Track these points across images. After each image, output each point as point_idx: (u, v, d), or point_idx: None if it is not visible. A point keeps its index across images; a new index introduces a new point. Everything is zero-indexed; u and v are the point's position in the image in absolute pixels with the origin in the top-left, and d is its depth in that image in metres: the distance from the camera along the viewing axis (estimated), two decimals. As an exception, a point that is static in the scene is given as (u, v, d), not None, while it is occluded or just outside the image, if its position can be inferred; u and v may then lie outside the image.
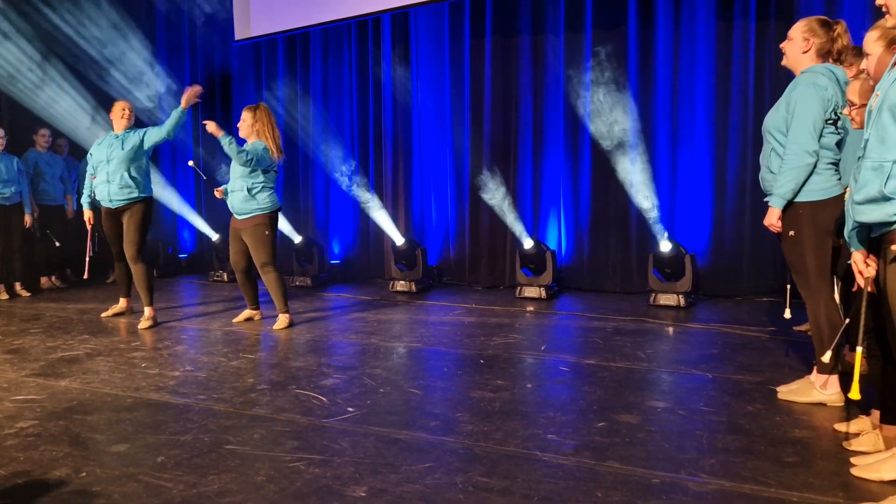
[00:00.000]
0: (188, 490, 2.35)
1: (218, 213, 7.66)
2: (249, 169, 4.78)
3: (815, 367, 3.11)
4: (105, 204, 5.14)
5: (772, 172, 3.06)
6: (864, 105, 2.66)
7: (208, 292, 6.90)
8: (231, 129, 4.94)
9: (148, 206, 5.18)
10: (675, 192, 6.07)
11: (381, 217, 7.22)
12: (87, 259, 5.58)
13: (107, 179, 5.06)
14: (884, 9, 2.10)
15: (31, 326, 5.19)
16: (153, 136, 5.10)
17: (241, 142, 5.01)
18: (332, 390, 3.46)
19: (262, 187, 4.86)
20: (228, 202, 4.95)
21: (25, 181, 6.50)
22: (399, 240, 6.80)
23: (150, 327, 5.06)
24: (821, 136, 2.94)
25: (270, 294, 5.00)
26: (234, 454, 2.66)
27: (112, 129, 5.20)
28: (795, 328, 4.48)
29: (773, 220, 3.06)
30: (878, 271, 2.22)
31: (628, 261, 6.25)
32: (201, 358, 4.16)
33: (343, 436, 2.83)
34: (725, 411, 3.05)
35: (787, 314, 3.49)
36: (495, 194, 6.61)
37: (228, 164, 5.29)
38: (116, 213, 5.13)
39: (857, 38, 2.67)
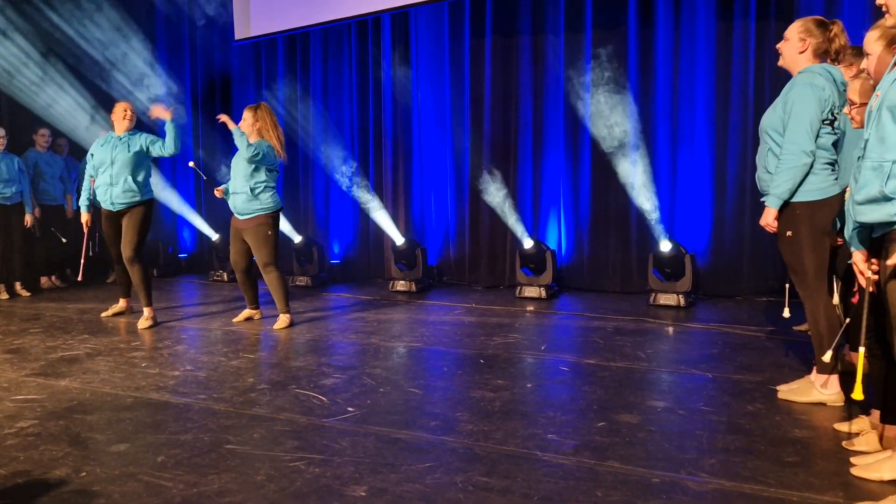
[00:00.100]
0: (188, 489, 2.35)
1: (218, 213, 7.67)
2: (252, 168, 4.78)
3: (815, 367, 3.11)
4: (106, 206, 5.10)
5: (769, 172, 3.06)
6: (864, 104, 2.66)
7: (208, 292, 6.90)
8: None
9: (148, 208, 5.15)
10: (676, 192, 6.07)
11: (381, 217, 7.22)
12: (83, 261, 5.53)
13: (110, 182, 5.01)
14: (884, 8, 2.10)
15: (32, 326, 5.19)
16: (161, 151, 5.05)
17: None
18: (332, 390, 3.46)
19: (265, 187, 4.86)
20: (230, 203, 4.95)
21: (26, 181, 6.50)
22: (399, 239, 6.80)
23: (149, 327, 5.06)
24: (818, 136, 2.94)
25: (272, 294, 5.00)
26: (234, 454, 2.66)
27: (113, 129, 5.15)
28: (795, 328, 4.48)
29: (769, 220, 3.06)
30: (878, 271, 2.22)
31: (628, 260, 6.25)
32: (201, 357, 4.16)
33: (343, 435, 2.83)
34: (725, 411, 3.06)
35: (786, 313, 3.49)
36: (495, 194, 6.61)
37: (228, 165, 5.29)
38: (117, 216, 5.10)
39: (858, 38, 2.67)
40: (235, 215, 4.96)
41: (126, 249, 5.03)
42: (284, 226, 7.22)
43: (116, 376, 3.77)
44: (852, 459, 2.44)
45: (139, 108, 5.95)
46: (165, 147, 5.05)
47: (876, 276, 2.22)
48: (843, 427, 2.74)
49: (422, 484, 2.36)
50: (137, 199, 5.05)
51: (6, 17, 7.15)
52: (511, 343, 4.44)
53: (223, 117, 4.85)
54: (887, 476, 2.27)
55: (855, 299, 2.61)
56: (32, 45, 7.35)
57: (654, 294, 5.64)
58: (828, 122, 2.95)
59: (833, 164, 3.01)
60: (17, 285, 6.60)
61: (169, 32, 8.50)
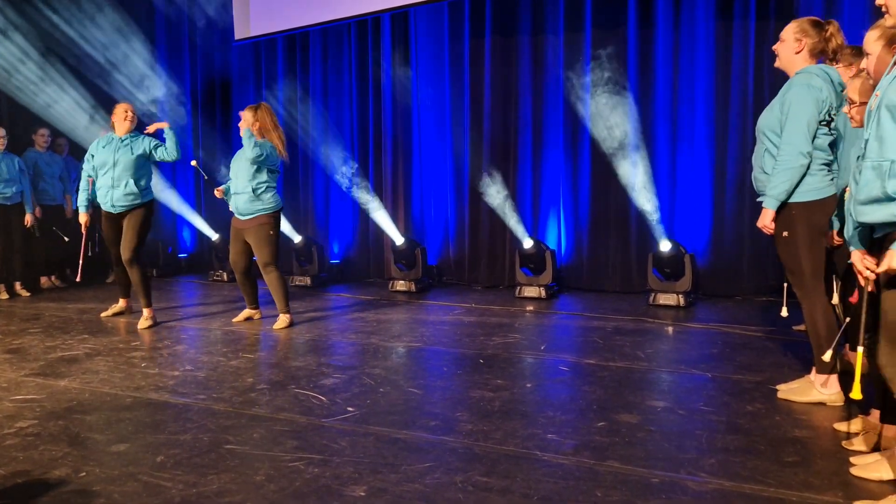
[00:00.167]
0: (188, 490, 2.35)
1: (218, 213, 7.67)
2: (255, 169, 4.78)
3: (815, 367, 3.11)
4: (107, 208, 5.07)
5: (765, 173, 3.07)
6: (864, 103, 2.66)
7: (208, 292, 6.90)
8: (231, 130, 4.95)
9: (149, 210, 5.14)
10: (675, 192, 6.07)
11: (380, 217, 7.22)
12: (81, 262, 5.51)
13: (111, 185, 4.98)
14: (883, 9, 2.10)
15: (31, 326, 5.18)
16: (164, 156, 5.06)
17: (242, 141, 5.01)
18: (332, 390, 3.46)
19: (267, 187, 4.86)
20: (232, 203, 4.94)
21: (27, 180, 6.50)
22: (399, 239, 6.80)
23: (149, 327, 5.06)
24: (815, 137, 2.95)
25: (272, 294, 5.00)
26: (234, 454, 2.65)
27: (113, 130, 5.10)
28: (795, 327, 4.48)
29: (766, 221, 3.07)
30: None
31: (628, 260, 6.25)
32: (201, 357, 4.16)
33: (343, 435, 2.83)
34: (725, 411, 3.06)
35: (784, 312, 3.49)
36: (495, 194, 6.61)
37: (228, 165, 5.29)
38: (117, 217, 5.08)
39: (858, 38, 2.67)
40: (236, 216, 4.95)
41: (125, 251, 5.00)
42: (284, 226, 7.22)
43: (116, 376, 3.77)
44: (852, 459, 2.44)
45: (139, 109, 5.94)
46: (167, 153, 5.06)
47: (874, 275, 2.22)
48: (842, 427, 2.75)
49: (421, 484, 2.36)
50: (138, 201, 5.04)
51: (5, 17, 7.15)
52: (511, 343, 4.44)
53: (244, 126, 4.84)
54: (887, 476, 2.27)
55: (854, 299, 2.61)
56: (32, 44, 7.35)
57: (653, 294, 5.64)
58: (825, 122, 2.96)
59: (829, 164, 3.02)
60: (17, 285, 6.60)
61: (169, 33, 8.50)
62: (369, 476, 2.43)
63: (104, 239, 5.31)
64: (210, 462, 2.58)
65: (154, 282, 6.73)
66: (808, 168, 2.95)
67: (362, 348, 4.37)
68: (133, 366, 3.99)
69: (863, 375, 2.34)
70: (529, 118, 6.54)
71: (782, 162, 2.96)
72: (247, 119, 4.88)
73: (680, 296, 5.51)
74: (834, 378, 3.05)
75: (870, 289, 2.25)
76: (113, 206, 5.03)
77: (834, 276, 3.33)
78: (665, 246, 5.68)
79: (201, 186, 8.42)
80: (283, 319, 4.98)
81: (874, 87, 2.25)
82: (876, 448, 2.48)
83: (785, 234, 3.03)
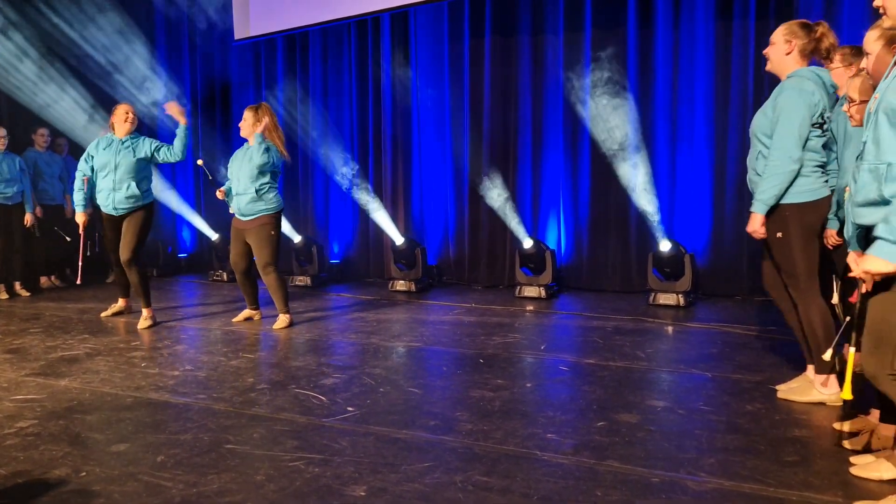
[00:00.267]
0: (188, 489, 2.35)
1: (217, 213, 7.66)
2: (258, 171, 4.77)
3: (814, 367, 3.11)
4: (108, 211, 5.04)
5: (759, 175, 3.08)
6: (864, 102, 2.67)
7: (208, 292, 6.90)
8: (231, 130, 4.95)
9: (149, 212, 5.12)
10: (675, 192, 6.07)
11: (380, 216, 7.22)
12: (80, 263, 5.48)
13: (113, 187, 4.95)
14: (881, 10, 2.11)
15: (31, 326, 5.18)
16: (167, 157, 5.02)
17: (242, 141, 5.01)
18: (332, 390, 3.46)
19: (269, 188, 4.86)
20: (234, 204, 4.92)
21: (27, 180, 6.50)
22: (399, 239, 6.80)
23: (149, 327, 5.06)
24: (807, 140, 2.96)
25: (271, 294, 5.00)
26: (234, 453, 2.66)
27: (112, 131, 5.04)
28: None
29: (756, 226, 3.07)
30: None
31: (628, 260, 6.25)
32: (201, 357, 4.16)
33: (343, 435, 2.83)
34: (725, 410, 3.06)
35: None
36: (495, 194, 6.61)
37: (225, 166, 5.28)
38: (118, 220, 5.06)
39: (858, 38, 2.67)
40: (237, 216, 4.95)
41: (124, 252, 4.97)
42: (284, 226, 7.22)
43: (116, 376, 3.77)
44: (851, 459, 2.44)
45: (140, 109, 5.92)
46: (173, 153, 5.01)
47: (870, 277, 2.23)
48: (842, 426, 2.75)
49: (421, 483, 2.36)
50: (140, 203, 5.03)
51: (5, 16, 7.15)
52: (510, 343, 4.44)
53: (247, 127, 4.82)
54: (886, 475, 2.27)
55: (854, 298, 2.61)
56: (31, 44, 7.35)
57: (653, 294, 5.64)
58: (817, 125, 2.97)
59: (823, 166, 3.04)
60: (17, 285, 6.60)
61: (168, 33, 8.50)
62: (369, 476, 2.43)
63: (104, 241, 5.29)
64: (210, 462, 2.58)
65: (154, 282, 6.73)
66: (799, 172, 2.97)
67: (362, 348, 4.37)
68: (133, 366, 3.99)
69: (860, 375, 2.34)
70: (529, 118, 6.54)
71: (771, 167, 2.97)
72: (248, 119, 4.87)
73: (680, 295, 5.51)
74: (834, 378, 3.05)
75: (864, 290, 2.26)
76: (115, 208, 5.00)
77: (834, 276, 3.33)
78: (665, 246, 5.68)
79: (201, 186, 8.42)
80: (282, 319, 4.98)
81: (874, 86, 2.25)
82: (876, 448, 2.48)
83: (779, 235, 3.04)
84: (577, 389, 3.44)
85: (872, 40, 2.39)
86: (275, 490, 2.33)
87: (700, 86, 5.87)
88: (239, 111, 5.88)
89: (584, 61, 6.22)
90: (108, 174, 4.96)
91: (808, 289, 3.02)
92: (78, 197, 5.09)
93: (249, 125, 4.87)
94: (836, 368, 3.06)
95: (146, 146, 5.00)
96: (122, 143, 4.98)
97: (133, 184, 4.95)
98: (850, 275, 2.21)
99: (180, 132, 5.00)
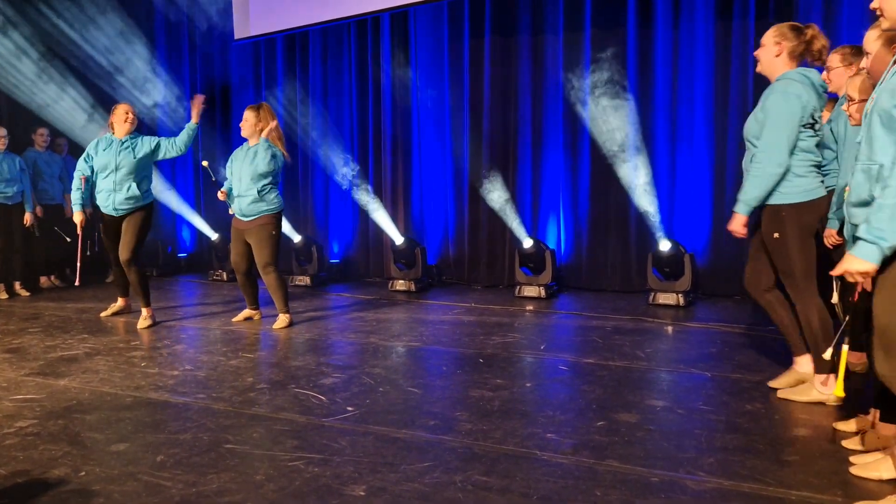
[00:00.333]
0: (187, 489, 2.35)
1: (217, 213, 7.66)
2: (260, 173, 4.77)
3: (813, 367, 3.11)
4: (108, 212, 5.02)
5: None
6: (863, 101, 2.68)
7: (207, 291, 6.90)
8: (232, 130, 4.94)
9: (149, 212, 5.11)
10: (675, 192, 6.07)
11: (380, 216, 7.23)
12: (79, 264, 5.46)
13: (113, 188, 4.93)
14: (878, 12, 2.11)
15: (31, 326, 5.18)
16: (168, 151, 5.02)
17: (242, 141, 5.01)
18: (332, 389, 3.46)
19: (270, 188, 4.86)
20: (235, 205, 4.91)
21: (27, 180, 6.50)
22: (398, 239, 6.81)
23: (148, 326, 5.05)
24: (797, 141, 2.97)
25: (271, 294, 4.99)
26: (234, 453, 2.66)
27: (111, 131, 5.01)
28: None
29: (737, 226, 3.10)
30: None
31: (628, 260, 6.25)
32: (201, 357, 4.16)
33: (342, 435, 2.83)
34: (724, 410, 3.06)
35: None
36: (495, 193, 6.61)
37: (225, 166, 5.27)
38: (118, 220, 5.04)
39: (858, 38, 2.68)
40: (238, 217, 4.94)
41: (123, 252, 4.96)
42: (284, 226, 7.22)
43: (115, 376, 3.77)
44: (851, 458, 2.44)
45: (140, 109, 5.91)
46: (175, 146, 5.01)
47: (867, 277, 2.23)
48: (841, 426, 2.75)
49: (421, 483, 2.36)
50: (140, 203, 5.02)
51: (4, 16, 7.15)
52: (510, 342, 4.44)
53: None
54: (886, 475, 2.27)
55: (854, 298, 2.61)
56: (31, 43, 7.35)
57: (653, 293, 5.64)
58: (809, 125, 2.97)
59: (818, 165, 3.05)
60: (17, 285, 6.60)
61: (168, 32, 8.50)
62: (369, 475, 2.43)
63: (104, 241, 5.28)
64: (210, 461, 2.58)
65: (154, 281, 6.73)
66: (791, 173, 2.98)
67: (362, 348, 4.37)
68: (133, 365, 3.99)
69: (862, 374, 2.34)
70: (529, 117, 6.54)
71: (756, 169, 2.99)
72: (249, 119, 4.87)
73: (679, 295, 5.51)
74: (833, 377, 3.05)
75: (859, 290, 2.26)
76: (115, 209, 4.99)
77: (833, 276, 3.34)
78: (665, 245, 5.68)
79: (201, 186, 8.42)
80: (282, 319, 4.98)
81: (874, 86, 2.26)
82: (875, 447, 2.48)
83: (776, 235, 3.05)
84: (576, 389, 3.44)
85: (872, 40, 2.40)
86: (274, 490, 2.33)
87: (700, 86, 5.87)
88: (239, 111, 5.87)
89: (584, 61, 6.22)
90: (108, 175, 4.95)
91: (806, 289, 3.03)
92: (75, 196, 5.04)
93: (251, 125, 4.86)
94: (835, 368, 3.06)
95: (146, 145, 5.00)
96: (122, 143, 4.96)
97: (133, 185, 4.94)
98: (833, 273, 2.22)
99: (190, 129, 5.01)
